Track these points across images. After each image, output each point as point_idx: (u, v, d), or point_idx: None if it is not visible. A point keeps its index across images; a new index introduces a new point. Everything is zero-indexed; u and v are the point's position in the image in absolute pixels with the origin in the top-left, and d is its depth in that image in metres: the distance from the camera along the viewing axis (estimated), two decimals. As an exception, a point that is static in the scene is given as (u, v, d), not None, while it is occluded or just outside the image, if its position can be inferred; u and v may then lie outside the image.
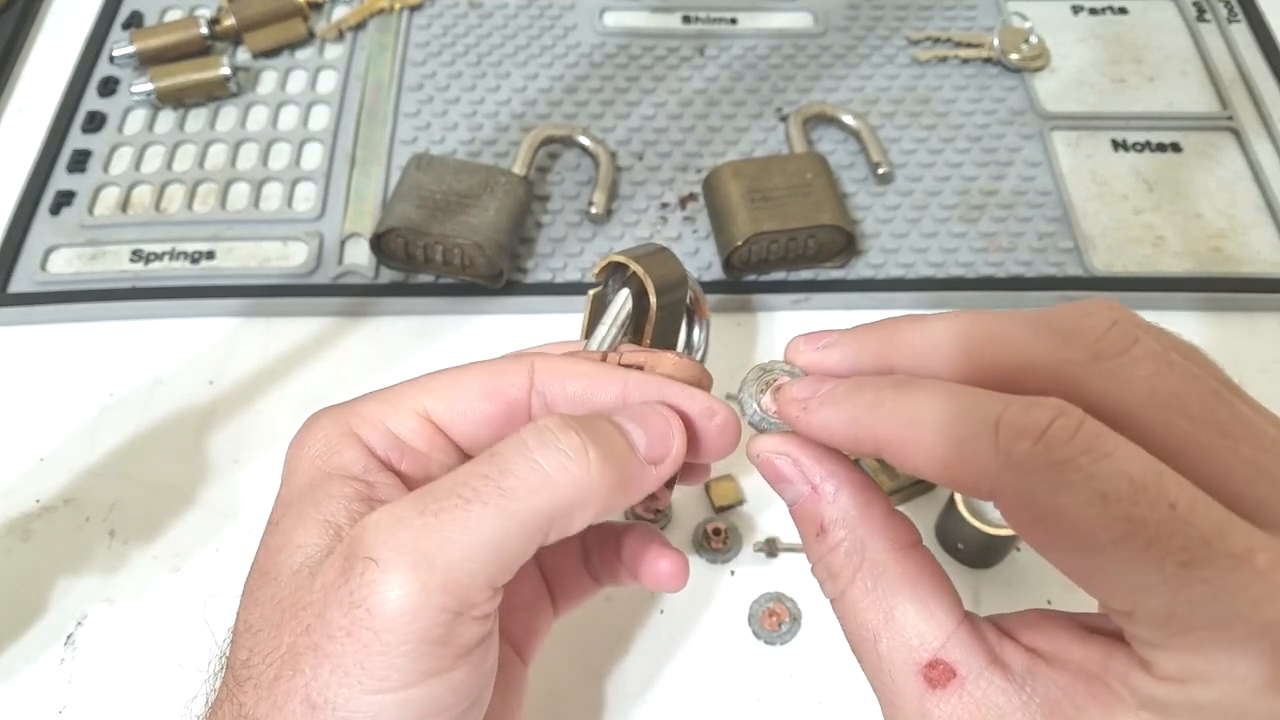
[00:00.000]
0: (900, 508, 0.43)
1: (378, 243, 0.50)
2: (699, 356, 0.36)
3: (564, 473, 0.24)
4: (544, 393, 0.28)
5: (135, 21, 0.62)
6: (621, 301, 0.31)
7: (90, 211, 0.53)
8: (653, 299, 0.31)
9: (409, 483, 0.27)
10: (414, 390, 0.28)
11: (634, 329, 0.32)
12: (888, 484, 0.43)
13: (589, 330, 0.32)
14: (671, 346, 0.35)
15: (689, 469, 0.30)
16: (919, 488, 0.44)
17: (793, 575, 0.42)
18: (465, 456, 0.28)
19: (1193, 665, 0.19)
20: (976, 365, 0.23)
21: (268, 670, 0.24)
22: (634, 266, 0.31)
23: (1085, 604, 0.22)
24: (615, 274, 0.33)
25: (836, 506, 0.25)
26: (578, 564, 0.33)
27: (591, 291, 0.33)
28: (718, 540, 0.43)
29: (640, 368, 0.29)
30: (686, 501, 0.44)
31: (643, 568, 0.30)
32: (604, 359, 0.29)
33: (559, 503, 0.24)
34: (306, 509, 0.26)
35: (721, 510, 0.44)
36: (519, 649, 0.32)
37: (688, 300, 0.34)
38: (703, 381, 0.29)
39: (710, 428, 0.27)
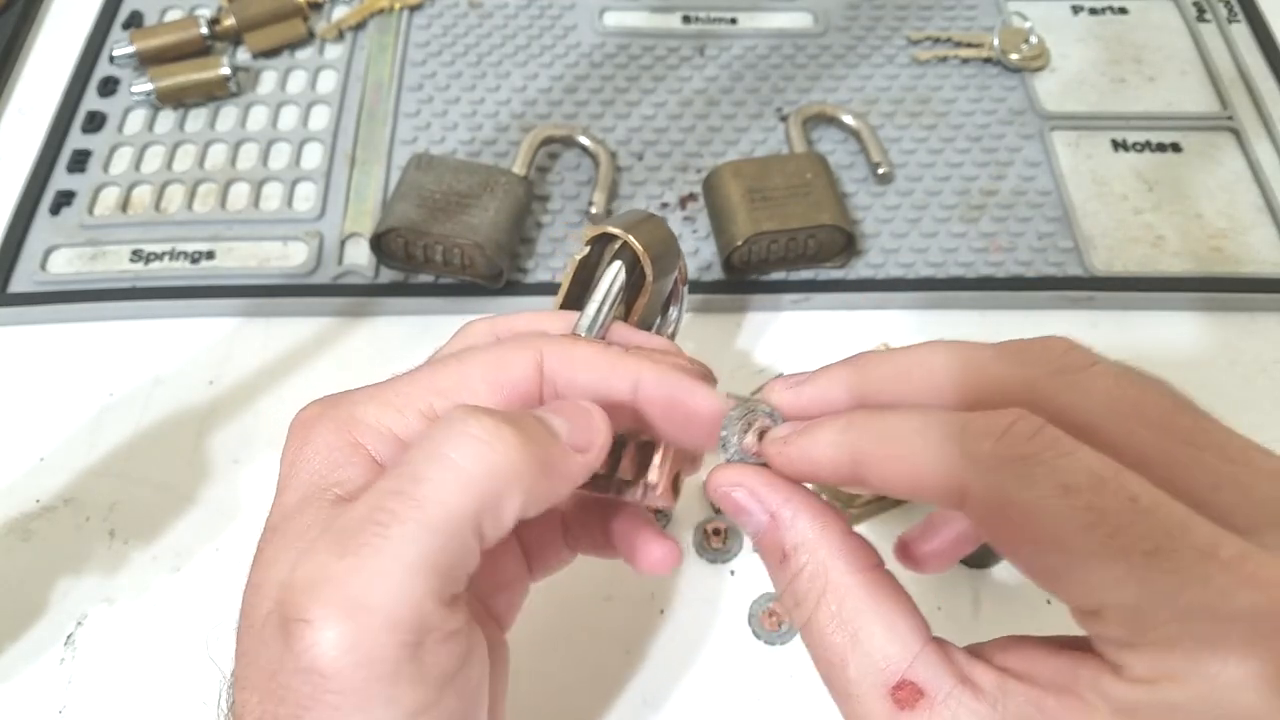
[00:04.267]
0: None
1: (378, 243, 0.50)
2: (672, 333, 0.35)
3: (479, 460, 0.23)
4: (555, 382, 0.27)
5: (135, 21, 0.62)
6: (613, 276, 0.30)
7: (90, 211, 0.53)
8: (649, 276, 0.30)
9: None
10: (420, 390, 0.27)
11: (625, 303, 0.31)
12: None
13: (566, 299, 0.31)
14: (655, 319, 0.34)
15: (693, 460, 0.30)
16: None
17: (793, 575, 0.42)
18: None
19: (1163, 664, 0.19)
20: (948, 389, 0.24)
21: None
22: (632, 242, 0.30)
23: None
24: (604, 243, 0.31)
25: (795, 531, 0.25)
26: (557, 535, 0.32)
27: (577, 255, 0.31)
28: (718, 540, 0.43)
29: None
30: (687, 501, 0.44)
31: (636, 553, 0.30)
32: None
33: (482, 495, 0.23)
34: (291, 541, 0.24)
35: (721, 510, 0.44)
36: (499, 620, 0.31)
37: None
38: (709, 378, 0.29)
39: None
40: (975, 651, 0.23)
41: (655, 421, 0.28)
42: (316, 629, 0.21)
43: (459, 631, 0.23)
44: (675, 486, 0.29)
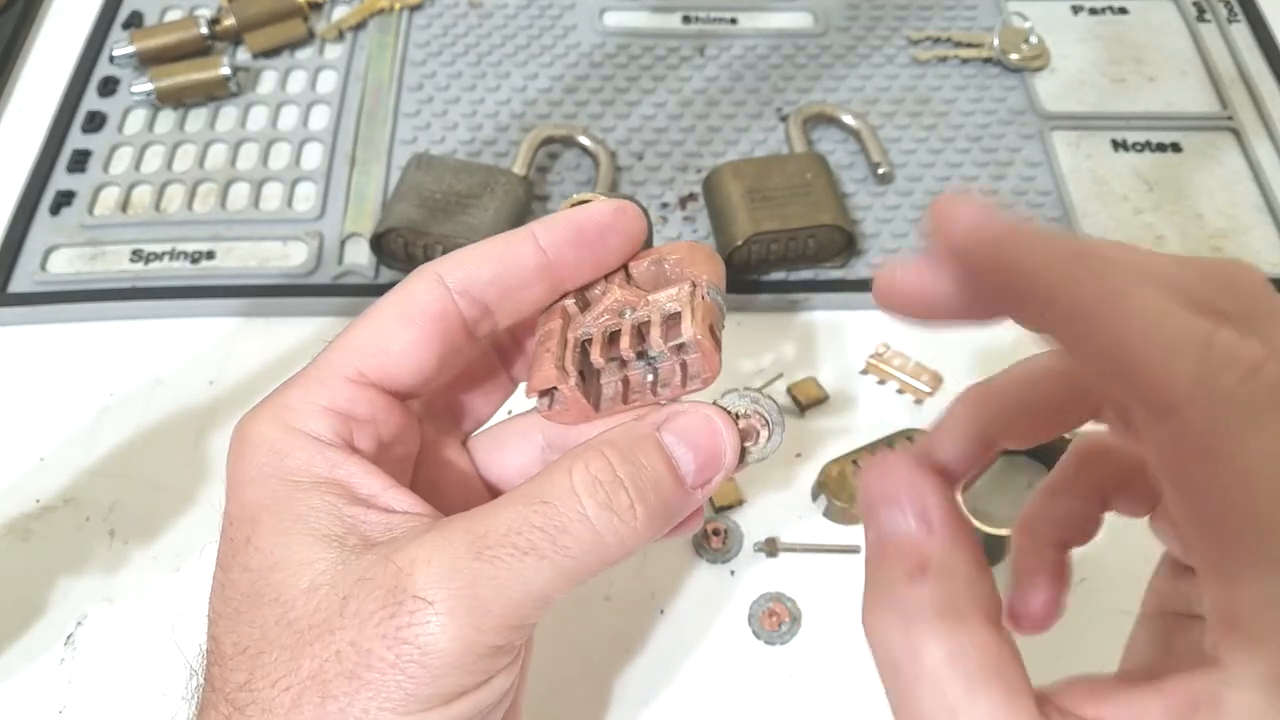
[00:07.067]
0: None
1: (378, 243, 0.50)
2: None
3: (615, 534, 0.24)
4: (467, 292, 0.27)
5: (135, 21, 0.62)
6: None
7: (90, 211, 0.53)
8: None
9: (369, 458, 0.26)
10: (338, 356, 0.27)
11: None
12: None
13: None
14: None
15: None
16: None
17: (793, 575, 0.42)
18: (406, 407, 0.27)
19: None
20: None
21: (282, 695, 0.23)
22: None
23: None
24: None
25: (953, 556, 0.22)
26: None
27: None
28: (718, 540, 0.43)
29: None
30: (686, 501, 0.44)
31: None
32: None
33: (606, 561, 0.24)
34: (289, 524, 0.25)
35: (721, 510, 0.44)
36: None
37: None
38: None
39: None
40: (1058, 703, 0.21)
41: (574, 261, 0.27)
42: (436, 611, 0.22)
43: (520, 648, 0.25)
44: (715, 337, 0.26)
